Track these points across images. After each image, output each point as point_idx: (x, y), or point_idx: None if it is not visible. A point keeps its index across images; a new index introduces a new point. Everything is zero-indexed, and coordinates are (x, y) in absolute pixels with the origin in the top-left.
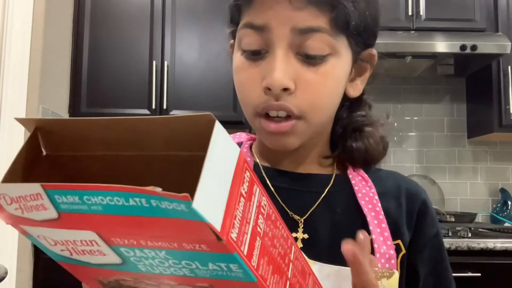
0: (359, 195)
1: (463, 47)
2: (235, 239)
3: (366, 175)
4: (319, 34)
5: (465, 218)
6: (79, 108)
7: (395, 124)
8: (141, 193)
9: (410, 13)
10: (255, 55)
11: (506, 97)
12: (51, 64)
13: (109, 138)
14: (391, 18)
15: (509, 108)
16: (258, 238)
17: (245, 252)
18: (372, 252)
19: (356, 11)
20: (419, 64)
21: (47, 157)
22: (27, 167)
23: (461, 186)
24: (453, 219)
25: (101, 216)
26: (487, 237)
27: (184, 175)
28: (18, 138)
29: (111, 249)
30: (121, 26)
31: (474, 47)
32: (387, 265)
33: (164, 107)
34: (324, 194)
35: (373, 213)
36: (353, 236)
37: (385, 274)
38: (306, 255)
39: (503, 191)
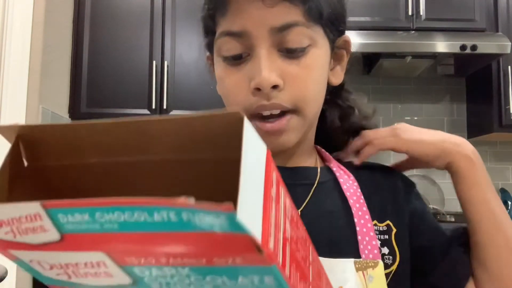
0: (344, 187)
1: (463, 47)
2: (272, 250)
3: (346, 169)
4: (296, 27)
5: None
6: (79, 108)
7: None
8: (170, 206)
9: (410, 13)
10: (237, 60)
11: (506, 97)
12: (51, 64)
13: (105, 143)
14: (391, 18)
15: (509, 108)
16: (287, 244)
17: (280, 262)
18: (356, 243)
19: (326, 1)
20: (419, 64)
21: (30, 169)
22: (11, 182)
23: None
24: (453, 219)
25: (116, 234)
26: None
27: (199, 182)
28: None
29: (122, 269)
30: (121, 26)
31: (474, 47)
32: (370, 256)
33: (164, 107)
34: (315, 186)
35: (357, 205)
36: (348, 224)
37: (369, 264)
38: None
39: (503, 191)
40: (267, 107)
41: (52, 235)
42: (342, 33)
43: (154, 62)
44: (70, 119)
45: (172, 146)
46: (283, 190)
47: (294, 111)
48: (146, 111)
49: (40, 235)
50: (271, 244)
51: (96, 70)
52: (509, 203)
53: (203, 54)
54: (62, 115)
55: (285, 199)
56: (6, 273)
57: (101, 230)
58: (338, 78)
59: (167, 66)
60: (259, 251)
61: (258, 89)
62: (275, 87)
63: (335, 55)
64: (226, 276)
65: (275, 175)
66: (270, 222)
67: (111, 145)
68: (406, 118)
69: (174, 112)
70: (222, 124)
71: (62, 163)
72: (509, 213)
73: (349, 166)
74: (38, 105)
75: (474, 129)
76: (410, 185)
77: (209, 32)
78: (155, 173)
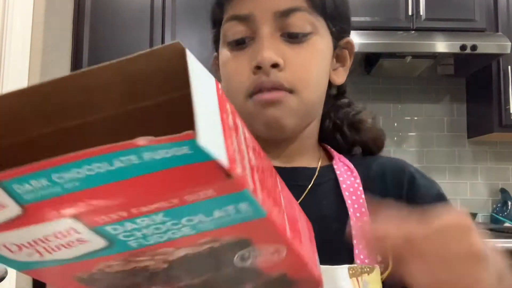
0: (343, 186)
1: (463, 47)
2: (241, 174)
3: (351, 164)
4: (299, 12)
5: None
6: None
7: (395, 124)
8: (129, 148)
9: (410, 13)
10: (240, 45)
11: (506, 97)
12: (51, 64)
13: (46, 110)
14: (391, 18)
15: (509, 108)
16: (255, 171)
17: (251, 187)
18: (351, 247)
19: None
20: (419, 64)
21: None
22: None
23: (461, 186)
24: None
25: (80, 193)
26: (487, 237)
27: (155, 127)
28: None
29: (94, 232)
30: (121, 26)
31: (474, 47)
32: (366, 261)
33: None
34: (309, 187)
35: (356, 205)
36: (341, 228)
37: (365, 270)
38: None
39: (503, 191)
40: (266, 83)
41: (13, 209)
42: (346, 33)
43: None
44: None
45: (118, 97)
46: (240, 122)
47: (291, 90)
48: None
49: (0, 214)
50: (238, 169)
51: None
52: (509, 203)
53: (203, 54)
54: None
55: (244, 131)
56: (6, 273)
57: (63, 192)
58: (340, 78)
59: None
60: (227, 176)
61: (259, 68)
62: (275, 66)
63: (337, 56)
64: (202, 213)
65: (228, 106)
66: (234, 148)
67: (53, 111)
68: (406, 118)
69: None
70: (165, 61)
71: (6, 142)
72: (508, 213)
73: (358, 160)
74: None
75: (474, 129)
76: (417, 183)
77: (217, 22)
78: (106, 132)
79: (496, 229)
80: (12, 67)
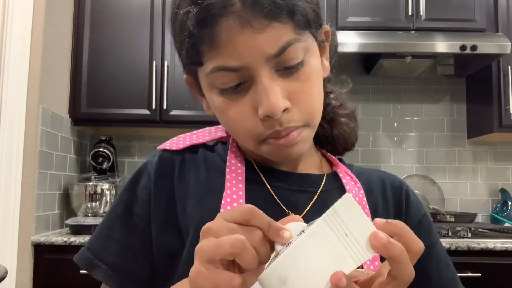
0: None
1: (463, 47)
2: None
3: (354, 175)
4: (291, 46)
5: (465, 218)
6: (79, 108)
7: (395, 124)
8: None
9: (410, 13)
10: (235, 89)
11: (506, 97)
12: (51, 64)
13: None
14: (391, 18)
15: (509, 108)
16: None
17: None
18: None
19: (308, 5)
20: (419, 64)
21: None
22: None
23: (461, 186)
24: (453, 219)
25: None
26: (487, 237)
27: None
28: (18, 137)
29: None
30: (121, 27)
31: (474, 47)
32: (372, 267)
33: (164, 107)
34: (318, 194)
35: None
36: None
37: (367, 274)
38: None
39: (503, 191)
40: (281, 132)
41: None
42: (321, 25)
43: (154, 62)
44: (70, 119)
45: None
46: None
47: (304, 125)
48: (146, 111)
49: None
50: None
51: (96, 70)
52: (509, 203)
53: None
54: (62, 115)
55: None
56: (6, 273)
57: None
58: (326, 70)
59: (167, 66)
60: None
61: (268, 116)
62: (284, 110)
63: (319, 49)
64: None
65: None
66: None
67: None
68: (406, 118)
69: (174, 112)
70: None
71: None
72: (508, 213)
73: (357, 171)
74: (38, 105)
75: (474, 129)
76: (410, 199)
77: (192, 61)
78: None
79: (496, 229)
80: (12, 67)
